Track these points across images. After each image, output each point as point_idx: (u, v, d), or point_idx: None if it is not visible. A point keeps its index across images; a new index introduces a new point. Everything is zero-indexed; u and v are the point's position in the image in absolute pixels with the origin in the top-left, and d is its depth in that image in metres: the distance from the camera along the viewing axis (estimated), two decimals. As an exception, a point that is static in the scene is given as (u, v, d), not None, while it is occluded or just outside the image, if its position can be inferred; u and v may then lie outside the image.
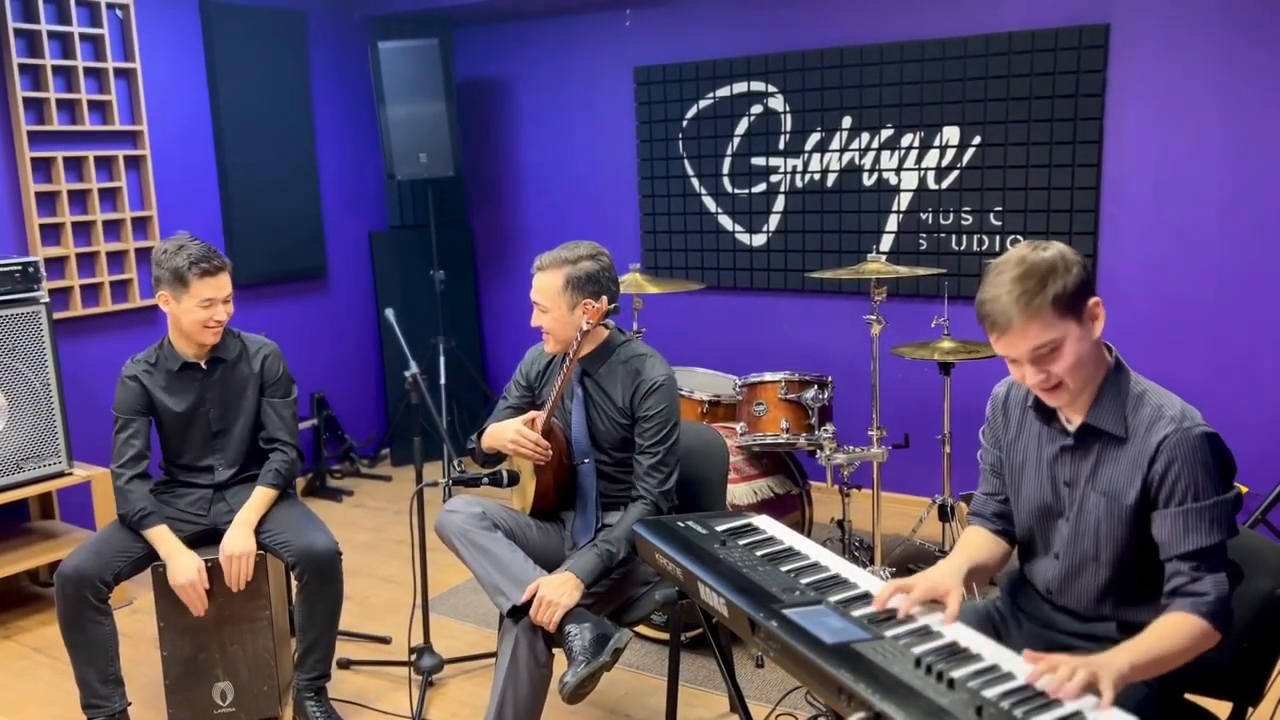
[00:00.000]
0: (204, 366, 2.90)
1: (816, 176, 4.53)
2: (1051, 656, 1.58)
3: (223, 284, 2.80)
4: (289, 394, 3.00)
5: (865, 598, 1.83)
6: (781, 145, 4.59)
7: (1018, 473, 1.99)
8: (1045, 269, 1.73)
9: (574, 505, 2.70)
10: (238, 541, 2.76)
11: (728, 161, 4.75)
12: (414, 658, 3.08)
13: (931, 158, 4.25)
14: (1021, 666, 1.57)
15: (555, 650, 2.42)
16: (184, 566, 2.72)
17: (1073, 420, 1.88)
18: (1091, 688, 1.52)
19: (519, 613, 2.37)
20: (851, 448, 3.51)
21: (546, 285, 2.56)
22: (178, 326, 2.84)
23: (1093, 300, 1.77)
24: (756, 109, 4.62)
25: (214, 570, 2.77)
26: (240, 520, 2.80)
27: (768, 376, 3.50)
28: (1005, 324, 1.75)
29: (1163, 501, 1.75)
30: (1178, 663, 1.70)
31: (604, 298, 2.54)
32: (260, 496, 2.85)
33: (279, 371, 2.98)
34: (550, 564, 2.52)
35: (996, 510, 2.06)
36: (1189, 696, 1.93)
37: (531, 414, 2.61)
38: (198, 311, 2.77)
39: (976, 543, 2.04)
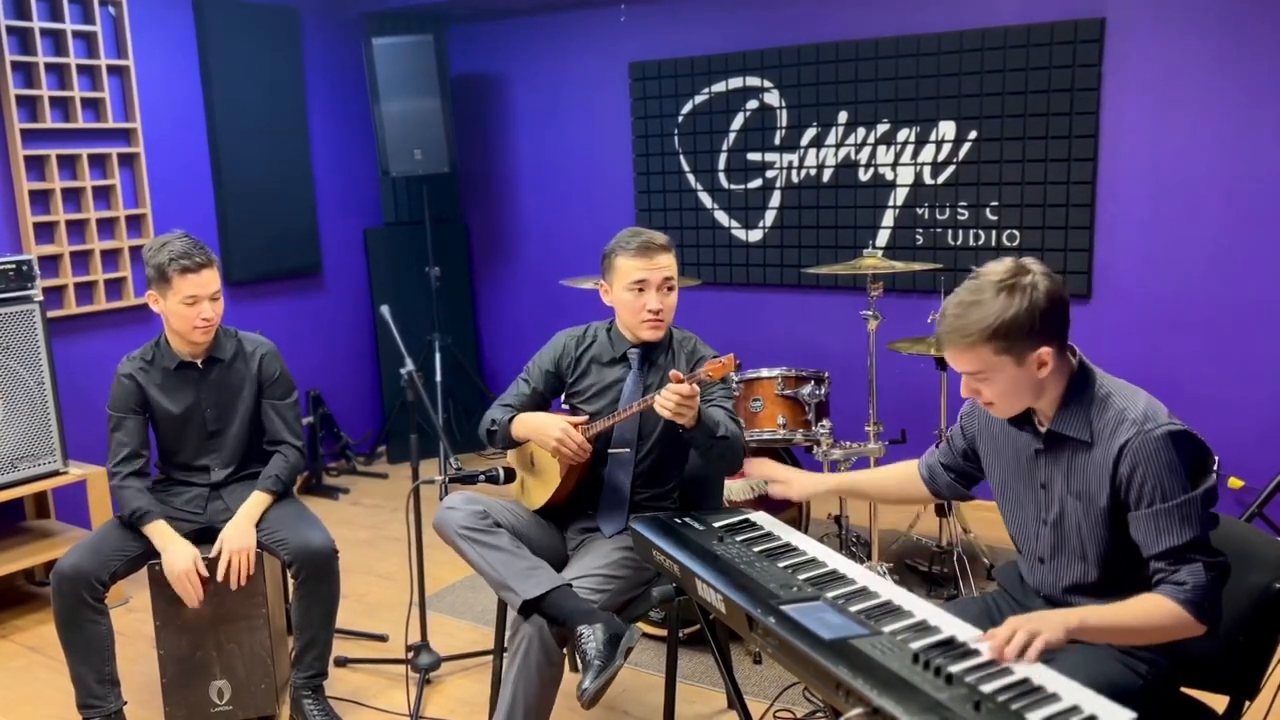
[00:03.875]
0: (200, 366, 2.89)
1: (812, 172, 4.52)
2: (1000, 628, 1.64)
3: (206, 281, 2.75)
4: (289, 394, 2.98)
5: (863, 593, 1.84)
6: (777, 140, 4.58)
7: (999, 475, 2.02)
8: (997, 308, 1.73)
9: (596, 500, 2.68)
10: (239, 536, 2.74)
11: (723, 157, 4.74)
12: (411, 655, 3.08)
13: (927, 153, 4.25)
14: (1018, 662, 1.58)
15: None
16: (180, 556, 2.71)
17: (1044, 424, 1.89)
18: (1032, 646, 1.59)
19: (530, 608, 2.36)
20: (848, 443, 3.51)
21: (672, 263, 2.62)
22: (170, 325, 2.83)
23: (1042, 350, 1.76)
24: (752, 104, 4.62)
25: (210, 567, 2.76)
26: (242, 514, 2.78)
27: (764, 372, 3.50)
28: (944, 341, 1.82)
29: (1133, 504, 1.76)
30: (1142, 639, 1.74)
31: None
32: (258, 500, 2.83)
33: (277, 372, 2.96)
34: (549, 564, 2.51)
35: (932, 463, 2.18)
36: (1185, 690, 1.93)
37: (581, 419, 2.60)
38: (183, 310, 2.74)
39: (885, 471, 2.22)
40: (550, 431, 2.54)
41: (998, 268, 1.79)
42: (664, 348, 2.68)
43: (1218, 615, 1.73)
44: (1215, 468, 1.79)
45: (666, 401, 2.35)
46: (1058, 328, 1.78)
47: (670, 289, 2.61)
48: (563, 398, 2.79)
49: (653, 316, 2.58)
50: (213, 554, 2.75)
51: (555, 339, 2.79)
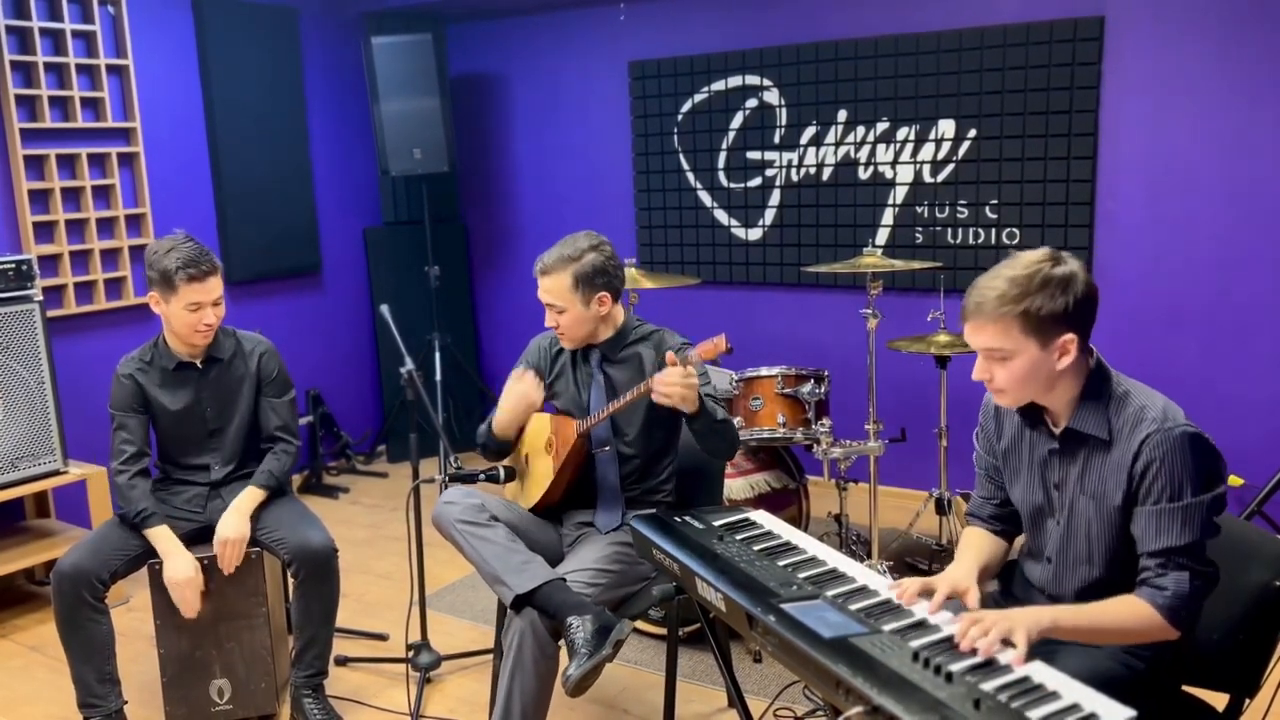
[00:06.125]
0: (199, 366, 2.89)
1: (812, 170, 4.52)
2: (976, 613, 1.65)
3: (211, 288, 2.76)
4: (285, 392, 2.99)
5: (862, 592, 1.84)
6: (777, 139, 4.58)
7: (1012, 476, 2.01)
8: (1038, 283, 1.74)
9: (591, 499, 2.69)
10: (233, 526, 2.76)
11: (723, 156, 4.74)
12: (411, 654, 3.08)
13: (927, 151, 4.25)
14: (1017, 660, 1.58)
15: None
16: (181, 565, 2.72)
17: (1058, 425, 1.88)
18: (1008, 641, 1.59)
19: (522, 603, 2.37)
20: (848, 442, 3.51)
21: (556, 286, 2.57)
22: (170, 327, 2.83)
23: (1066, 337, 1.76)
24: (751, 103, 4.61)
25: (209, 568, 2.77)
26: (234, 507, 2.80)
27: (764, 371, 3.50)
28: (972, 313, 1.80)
29: (1140, 499, 1.77)
30: (1115, 639, 1.75)
31: (615, 287, 2.61)
32: (251, 495, 2.84)
33: (274, 370, 2.97)
34: (546, 561, 2.51)
35: (993, 513, 2.09)
36: (1185, 688, 1.93)
37: (569, 422, 2.64)
38: (185, 315, 2.75)
39: (979, 543, 2.07)
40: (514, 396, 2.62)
41: (1034, 253, 1.79)
42: (621, 343, 2.68)
43: (1194, 622, 1.74)
44: (1226, 477, 1.77)
45: (670, 390, 2.37)
46: (1086, 320, 1.78)
47: (560, 311, 2.58)
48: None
49: (558, 331, 2.64)
50: (214, 551, 2.76)
51: (530, 344, 2.84)
